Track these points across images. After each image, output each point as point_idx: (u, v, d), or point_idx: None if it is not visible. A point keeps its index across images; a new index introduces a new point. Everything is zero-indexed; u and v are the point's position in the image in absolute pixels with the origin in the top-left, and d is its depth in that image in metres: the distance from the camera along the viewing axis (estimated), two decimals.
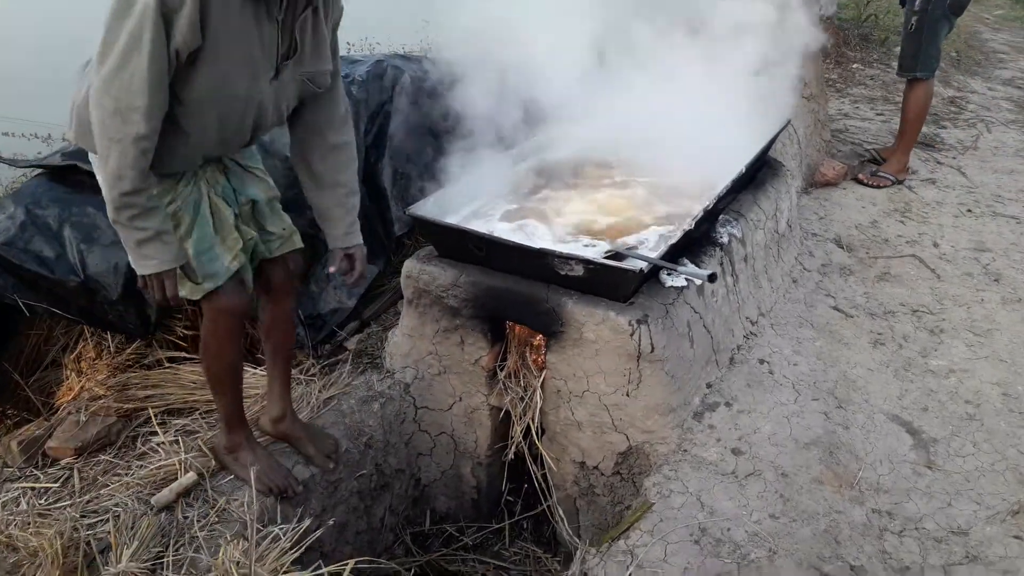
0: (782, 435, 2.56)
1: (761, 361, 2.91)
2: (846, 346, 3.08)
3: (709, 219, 2.95)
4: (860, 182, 4.67)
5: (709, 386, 2.76)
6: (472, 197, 3.10)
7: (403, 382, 3.00)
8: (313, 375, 3.10)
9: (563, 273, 2.54)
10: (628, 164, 3.47)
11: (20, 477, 2.67)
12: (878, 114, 6.06)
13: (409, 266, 2.87)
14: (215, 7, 1.77)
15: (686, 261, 2.78)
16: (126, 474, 2.58)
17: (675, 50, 3.49)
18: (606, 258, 2.56)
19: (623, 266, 2.44)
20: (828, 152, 4.91)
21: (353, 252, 2.44)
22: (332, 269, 2.43)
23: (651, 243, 2.81)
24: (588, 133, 3.62)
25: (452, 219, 2.92)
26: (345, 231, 2.40)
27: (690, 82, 3.28)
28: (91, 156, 2.03)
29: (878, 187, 4.61)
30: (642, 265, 2.43)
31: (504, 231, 2.88)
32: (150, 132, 1.83)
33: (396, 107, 3.77)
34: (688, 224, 2.67)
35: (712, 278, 2.39)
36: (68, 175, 3.00)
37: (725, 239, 3.00)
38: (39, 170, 3.01)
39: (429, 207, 2.88)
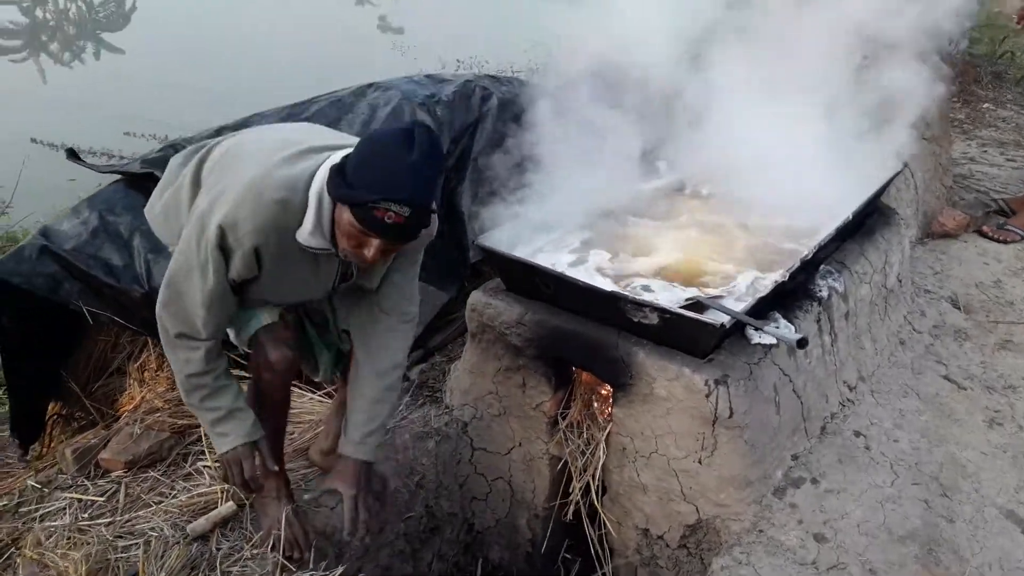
0: (874, 523, 2.25)
1: (857, 434, 2.60)
2: (957, 423, 2.73)
3: (808, 269, 2.67)
4: (984, 235, 4.23)
5: (795, 458, 2.47)
6: (549, 227, 2.91)
7: (461, 420, 2.84)
8: None
9: (636, 320, 2.32)
10: (722, 199, 3.21)
11: (71, 486, 2.64)
12: (1009, 160, 5.55)
13: (475, 298, 2.71)
14: (270, 250, 1.90)
15: (777, 316, 2.51)
16: (170, 495, 2.50)
17: (783, 79, 3.23)
18: (684, 307, 2.33)
19: (702, 319, 2.20)
20: (949, 200, 4.49)
21: (357, 472, 2.27)
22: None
23: (739, 291, 2.54)
24: (682, 163, 3.39)
25: (522, 251, 2.74)
26: (362, 436, 2.25)
27: (798, 115, 3.01)
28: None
29: (1004, 242, 4.16)
30: (724, 320, 2.19)
31: (575, 268, 2.69)
32: (210, 339, 1.98)
33: (481, 129, 3.63)
34: (782, 275, 2.40)
35: (802, 344, 2.12)
36: (145, 183, 2.99)
37: (825, 293, 2.71)
38: (119, 176, 3.01)
39: (499, 237, 2.72)
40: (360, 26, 11.57)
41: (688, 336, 2.27)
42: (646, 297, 2.50)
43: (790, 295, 2.62)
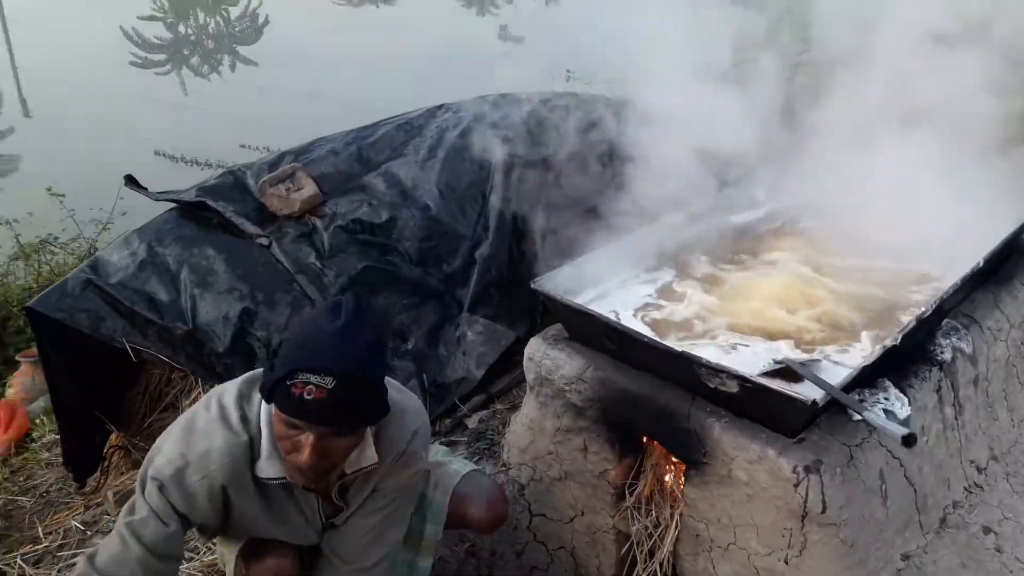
0: None
1: (986, 530, 2.15)
2: None
3: (927, 326, 2.24)
4: None
5: (906, 559, 2.05)
6: (617, 268, 2.60)
7: (518, 481, 2.55)
8: None
9: (713, 387, 1.98)
10: (821, 241, 2.80)
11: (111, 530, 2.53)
12: None
13: (533, 346, 2.43)
14: (231, 491, 1.65)
15: (887, 385, 2.10)
16: (195, 555, 2.34)
17: (895, 103, 2.80)
18: (771, 373, 1.97)
19: (789, 393, 1.83)
20: None
21: None
22: None
23: (841, 355, 2.16)
24: (777, 198, 3.00)
25: (588, 295, 2.45)
26: None
27: (916, 144, 2.59)
28: None
29: None
30: (816, 396, 1.81)
31: (645, 317, 2.36)
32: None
33: (554, 156, 3.35)
34: (893, 339, 2.00)
35: (909, 441, 1.71)
36: (198, 212, 2.87)
37: (947, 355, 2.27)
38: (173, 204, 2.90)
39: (560, 278, 2.43)
40: (483, 35, 11.53)
41: (774, 411, 1.91)
42: (727, 358, 2.16)
43: (905, 356, 2.20)
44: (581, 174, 3.31)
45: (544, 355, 2.38)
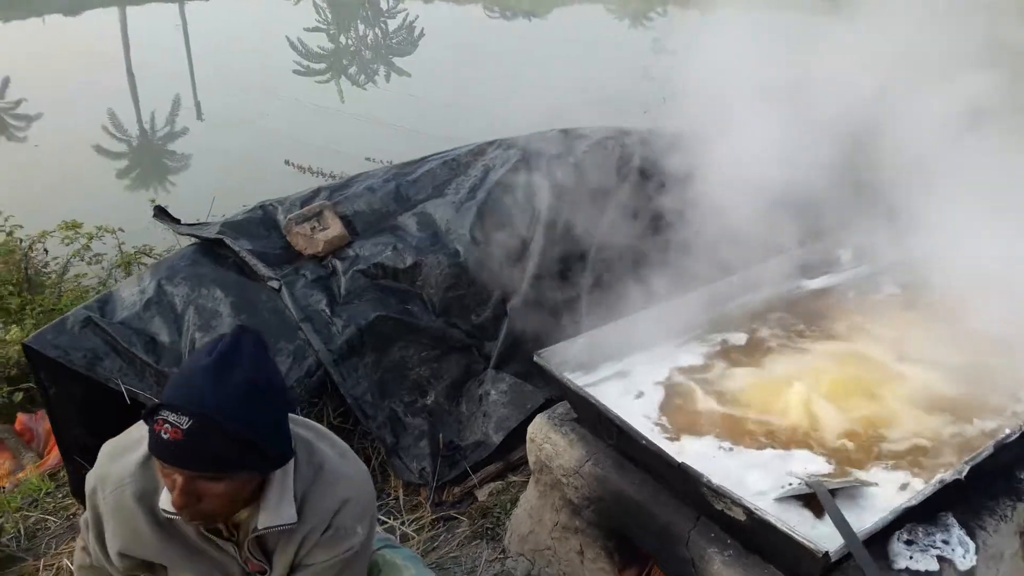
0: None
1: None
2: None
3: (1010, 452, 1.78)
4: None
5: None
6: (647, 339, 2.26)
7: (514, 575, 2.26)
8: (422, 524, 2.49)
9: (719, 509, 1.63)
10: (908, 322, 2.35)
11: None
12: None
13: (536, 425, 2.15)
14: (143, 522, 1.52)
15: (950, 523, 1.67)
16: None
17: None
18: (791, 497, 1.60)
19: (798, 538, 1.45)
20: None
21: None
22: None
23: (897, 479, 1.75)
24: (871, 257, 2.58)
25: (602, 372, 2.14)
26: None
27: None
28: None
29: None
30: (829, 549, 1.43)
31: (664, 405, 2.02)
32: None
33: (608, 203, 3.02)
34: (957, 472, 1.58)
35: None
36: (218, 248, 2.76)
37: None
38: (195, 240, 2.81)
39: (574, 350, 2.13)
40: (636, 48, 11.32)
41: (784, 552, 1.54)
42: (751, 466, 1.79)
43: (978, 488, 1.75)
44: (635, 225, 2.97)
45: (545, 438, 2.09)
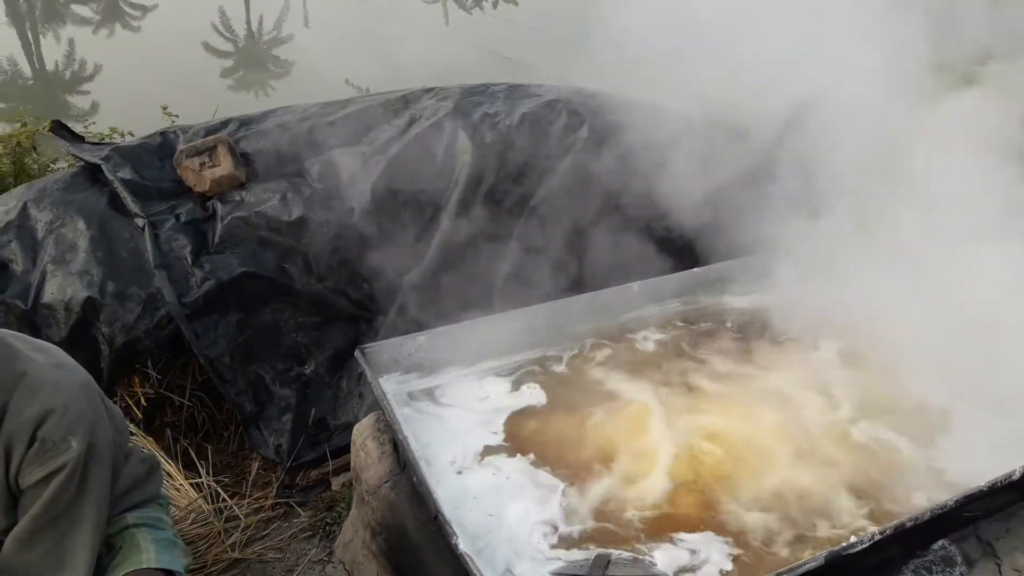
0: None
1: None
2: None
3: (879, 553, 1.43)
4: None
5: None
6: (507, 343, 1.96)
7: None
8: (261, 507, 2.27)
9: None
10: (832, 363, 1.98)
11: None
12: None
13: (362, 425, 1.88)
14: None
15: None
16: None
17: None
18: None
19: None
20: None
21: None
22: None
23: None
24: (797, 284, 2.18)
25: (436, 378, 1.85)
26: None
27: None
28: None
29: None
30: None
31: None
32: None
33: (552, 170, 2.67)
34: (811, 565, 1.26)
35: None
36: (99, 175, 2.53)
37: None
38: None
39: (412, 346, 1.84)
40: None
41: None
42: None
43: None
44: (574, 205, 2.62)
45: (363, 444, 1.81)
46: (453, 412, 1.81)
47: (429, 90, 2.82)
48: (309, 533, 2.19)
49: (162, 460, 2.23)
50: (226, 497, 2.24)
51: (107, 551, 1.59)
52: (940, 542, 1.54)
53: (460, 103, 2.71)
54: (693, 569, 1.42)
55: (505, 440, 1.74)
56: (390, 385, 1.82)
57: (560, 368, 1.97)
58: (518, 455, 1.69)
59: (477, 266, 2.53)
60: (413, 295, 2.47)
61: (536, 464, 1.67)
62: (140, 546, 1.59)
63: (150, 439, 2.35)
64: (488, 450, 1.71)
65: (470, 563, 1.28)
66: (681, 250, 2.58)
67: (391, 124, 2.70)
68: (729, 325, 2.18)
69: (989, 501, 1.60)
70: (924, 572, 1.49)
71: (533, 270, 2.52)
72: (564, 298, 2.10)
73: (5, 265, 2.33)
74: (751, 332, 2.15)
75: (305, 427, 2.43)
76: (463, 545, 1.32)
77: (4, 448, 1.36)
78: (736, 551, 1.46)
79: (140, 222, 2.36)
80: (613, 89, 2.81)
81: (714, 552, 1.44)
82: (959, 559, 1.52)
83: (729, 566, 1.42)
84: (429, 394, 1.86)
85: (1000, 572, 1.53)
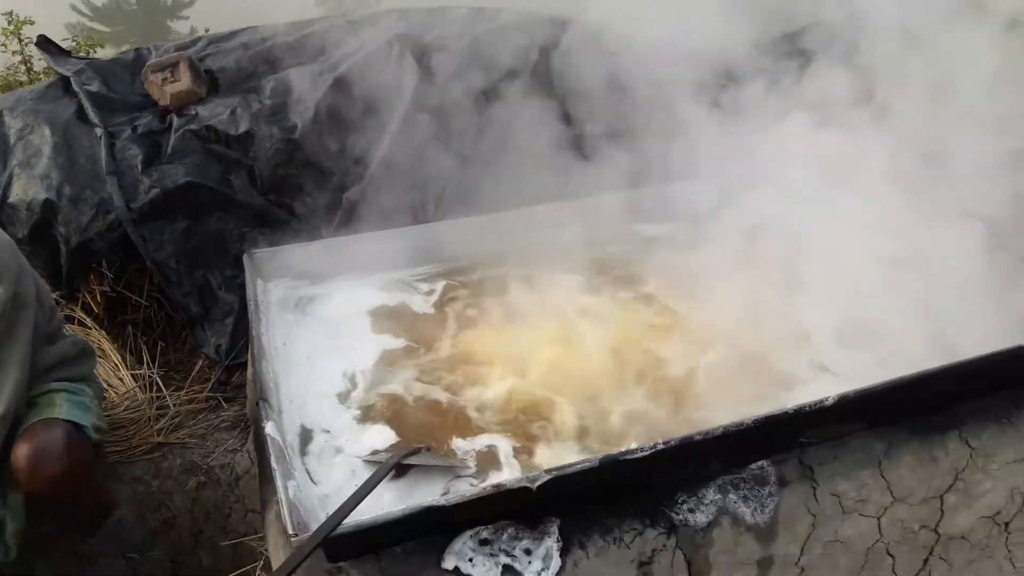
0: None
1: None
2: None
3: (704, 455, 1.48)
4: None
5: None
6: (404, 257, 2.04)
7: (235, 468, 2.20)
8: (194, 398, 2.46)
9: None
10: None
11: None
12: None
13: None
14: None
15: (553, 531, 1.42)
16: None
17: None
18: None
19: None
20: None
21: None
22: None
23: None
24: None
25: (328, 288, 1.94)
26: None
27: None
28: None
29: None
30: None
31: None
32: None
33: (500, 99, 2.69)
34: (526, 481, 1.32)
35: None
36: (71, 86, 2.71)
37: (698, 517, 1.49)
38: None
39: (305, 254, 1.96)
40: None
41: None
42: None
43: (607, 495, 1.47)
44: (520, 132, 2.65)
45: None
46: (333, 318, 1.90)
47: (389, 11, 2.86)
48: (230, 425, 2.37)
49: (111, 352, 2.45)
50: (162, 387, 2.45)
51: (28, 409, 1.80)
52: (760, 462, 1.57)
53: (412, 25, 2.75)
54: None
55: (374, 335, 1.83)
56: (279, 290, 1.94)
57: (441, 286, 2.03)
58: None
59: (419, 184, 2.61)
60: (354, 209, 2.57)
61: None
62: (55, 403, 1.80)
63: (104, 333, 2.56)
64: (354, 349, 1.81)
65: (269, 443, 1.40)
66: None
67: (347, 43, 2.77)
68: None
69: (833, 428, 1.62)
70: (729, 488, 1.51)
71: (473, 187, 2.58)
72: (467, 218, 2.14)
73: None
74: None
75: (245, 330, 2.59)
76: (270, 428, 1.43)
77: None
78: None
79: (98, 131, 2.53)
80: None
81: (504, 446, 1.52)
82: (772, 479, 1.54)
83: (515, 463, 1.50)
84: (313, 301, 1.95)
85: (815, 495, 1.55)
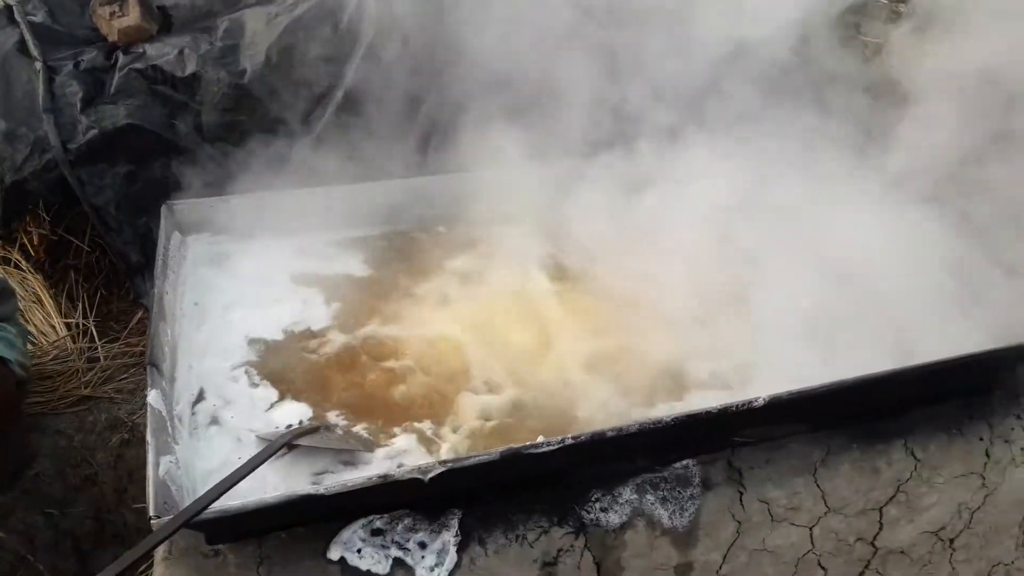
0: None
1: None
2: None
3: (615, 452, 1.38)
4: None
5: None
6: (341, 217, 1.93)
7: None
8: (129, 351, 2.37)
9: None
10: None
11: None
12: None
13: None
14: None
15: (453, 525, 1.32)
16: None
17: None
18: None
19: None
20: None
21: None
22: None
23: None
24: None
25: (252, 245, 1.83)
26: None
27: None
28: None
29: None
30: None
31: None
32: None
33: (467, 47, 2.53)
34: (417, 472, 1.22)
35: None
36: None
37: (611, 518, 1.39)
38: None
39: (228, 207, 1.84)
40: None
41: None
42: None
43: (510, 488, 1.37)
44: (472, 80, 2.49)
45: None
46: (252, 278, 1.79)
47: None
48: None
49: (46, 298, 2.35)
50: (95, 338, 2.35)
51: None
52: (685, 462, 1.47)
53: None
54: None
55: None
56: (199, 246, 1.82)
57: (374, 249, 1.91)
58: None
59: (373, 134, 2.47)
60: (303, 162, 2.44)
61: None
62: None
63: (41, 278, 2.46)
64: (270, 314, 1.70)
65: (149, 413, 1.30)
66: None
67: None
68: None
69: (769, 429, 1.51)
70: (648, 487, 1.42)
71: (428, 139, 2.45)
72: (409, 178, 2.02)
73: None
74: None
75: None
76: (152, 396, 1.34)
77: None
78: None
79: (37, 65, 2.39)
80: None
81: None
82: (696, 480, 1.44)
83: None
84: (232, 258, 1.84)
85: (742, 501, 1.45)
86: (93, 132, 2.33)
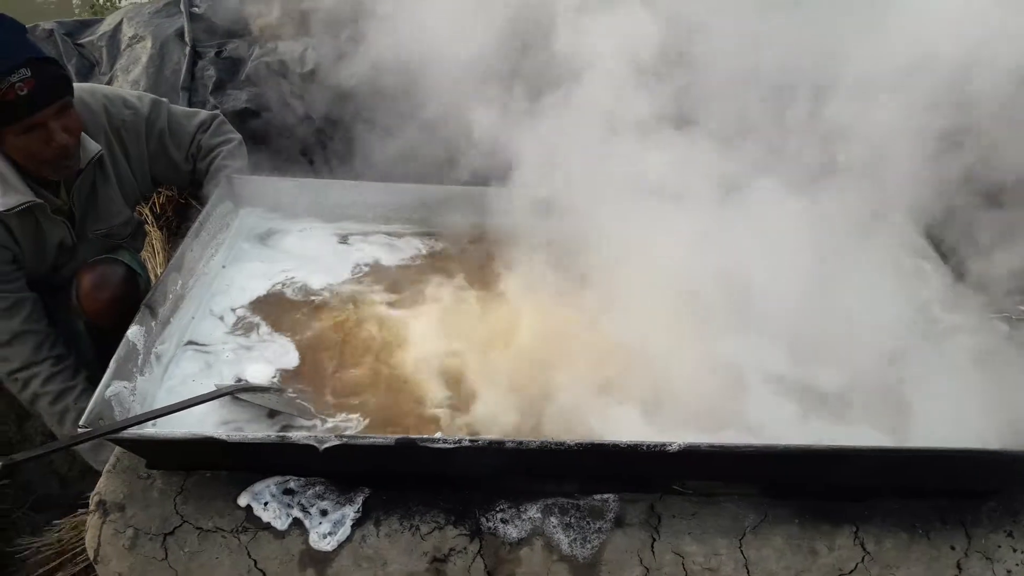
0: None
1: None
2: None
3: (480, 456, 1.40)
4: None
5: None
6: (381, 211, 2.06)
7: None
8: None
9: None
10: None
11: None
12: None
13: None
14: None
15: (357, 501, 1.40)
16: None
17: None
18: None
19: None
20: None
21: None
22: None
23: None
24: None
25: (298, 226, 2.01)
26: None
27: None
28: None
29: None
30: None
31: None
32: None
33: None
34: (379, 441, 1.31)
35: None
36: None
37: (509, 530, 1.40)
38: None
39: (281, 188, 2.02)
40: None
41: None
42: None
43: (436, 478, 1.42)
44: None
45: None
46: (287, 251, 1.96)
47: None
48: None
49: (159, 249, 2.67)
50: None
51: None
52: (606, 495, 1.44)
53: None
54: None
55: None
56: (251, 218, 2.02)
57: (417, 246, 2.01)
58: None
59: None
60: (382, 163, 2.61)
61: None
62: (119, 253, 1.99)
63: (161, 233, 2.80)
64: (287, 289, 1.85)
65: (122, 343, 1.48)
66: None
67: None
68: None
69: (713, 484, 1.46)
70: (555, 510, 1.41)
71: None
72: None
73: (94, 64, 2.86)
74: None
75: None
76: (132, 331, 1.51)
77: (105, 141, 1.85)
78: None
79: (187, 50, 2.75)
80: None
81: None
82: (610, 516, 1.41)
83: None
84: (275, 235, 2.01)
85: (653, 547, 1.40)
86: (216, 112, 2.63)
